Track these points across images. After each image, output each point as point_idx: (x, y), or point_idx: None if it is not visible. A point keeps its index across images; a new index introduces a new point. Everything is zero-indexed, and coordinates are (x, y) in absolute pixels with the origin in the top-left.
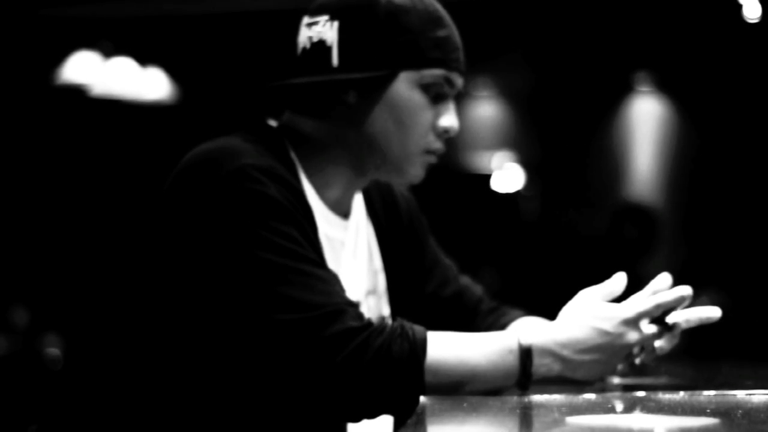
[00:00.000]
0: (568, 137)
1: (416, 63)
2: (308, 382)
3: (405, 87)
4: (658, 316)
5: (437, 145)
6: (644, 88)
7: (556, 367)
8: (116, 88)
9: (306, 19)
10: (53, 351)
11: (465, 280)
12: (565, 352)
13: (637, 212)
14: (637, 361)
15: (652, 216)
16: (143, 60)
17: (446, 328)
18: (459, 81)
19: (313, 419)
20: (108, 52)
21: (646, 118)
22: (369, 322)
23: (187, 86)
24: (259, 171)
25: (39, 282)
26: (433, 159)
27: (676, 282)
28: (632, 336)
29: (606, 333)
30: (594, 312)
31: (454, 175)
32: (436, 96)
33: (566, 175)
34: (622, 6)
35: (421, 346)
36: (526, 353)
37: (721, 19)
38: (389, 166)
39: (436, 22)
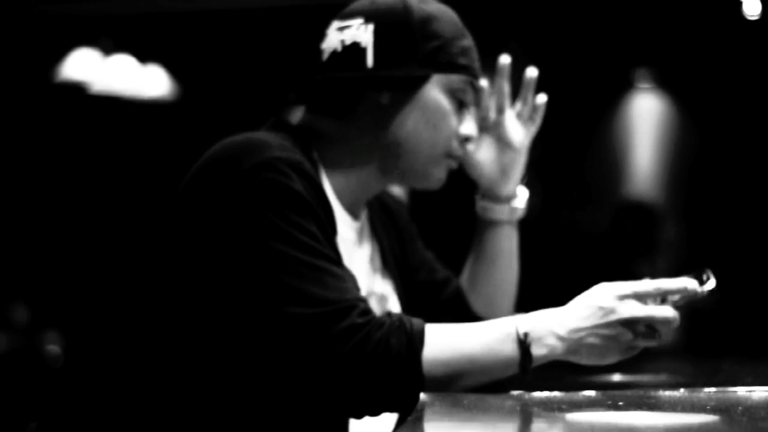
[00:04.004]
0: (567, 134)
1: (447, 68)
2: (310, 376)
3: (436, 90)
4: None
5: (459, 151)
6: (644, 85)
7: (558, 349)
8: (116, 86)
9: (336, 24)
10: (53, 348)
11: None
12: (562, 332)
13: (638, 210)
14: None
15: (653, 214)
16: (143, 57)
17: (444, 311)
18: (478, 90)
19: (315, 415)
20: (108, 50)
21: (646, 116)
22: (373, 318)
23: (186, 83)
24: (287, 164)
25: (39, 279)
26: (454, 164)
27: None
28: (626, 310)
29: (599, 308)
30: (590, 292)
31: (453, 173)
32: (460, 103)
33: (566, 172)
34: (622, 3)
35: (419, 337)
36: (524, 337)
37: (722, 16)
38: (415, 168)
39: (462, 32)
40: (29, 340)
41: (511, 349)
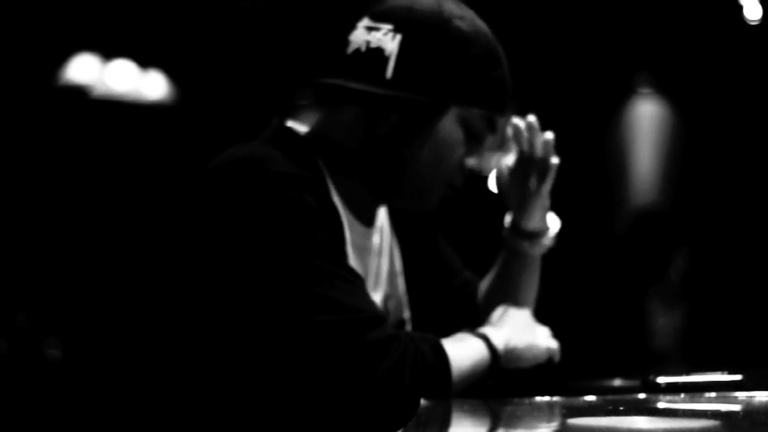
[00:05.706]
0: (568, 139)
1: (468, 101)
2: (350, 387)
3: (450, 121)
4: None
5: (459, 181)
6: (645, 90)
7: (511, 345)
8: (117, 90)
9: (366, 22)
10: (53, 353)
11: (467, 272)
12: (512, 331)
13: (654, 218)
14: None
15: (667, 223)
16: (143, 62)
17: (455, 317)
18: (501, 123)
19: (339, 424)
20: (108, 55)
21: (647, 120)
22: (397, 330)
23: (186, 88)
24: (291, 178)
25: (39, 285)
26: (449, 193)
27: (677, 282)
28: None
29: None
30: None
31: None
32: (474, 135)
33: (566, 176)
34: (623, 7)
35: (441, 346)
36: (485, 337)
37: (722, 20)
38: (412, 192)
39: (495, 61)
40: (28, 345)
41: (482, 348)
